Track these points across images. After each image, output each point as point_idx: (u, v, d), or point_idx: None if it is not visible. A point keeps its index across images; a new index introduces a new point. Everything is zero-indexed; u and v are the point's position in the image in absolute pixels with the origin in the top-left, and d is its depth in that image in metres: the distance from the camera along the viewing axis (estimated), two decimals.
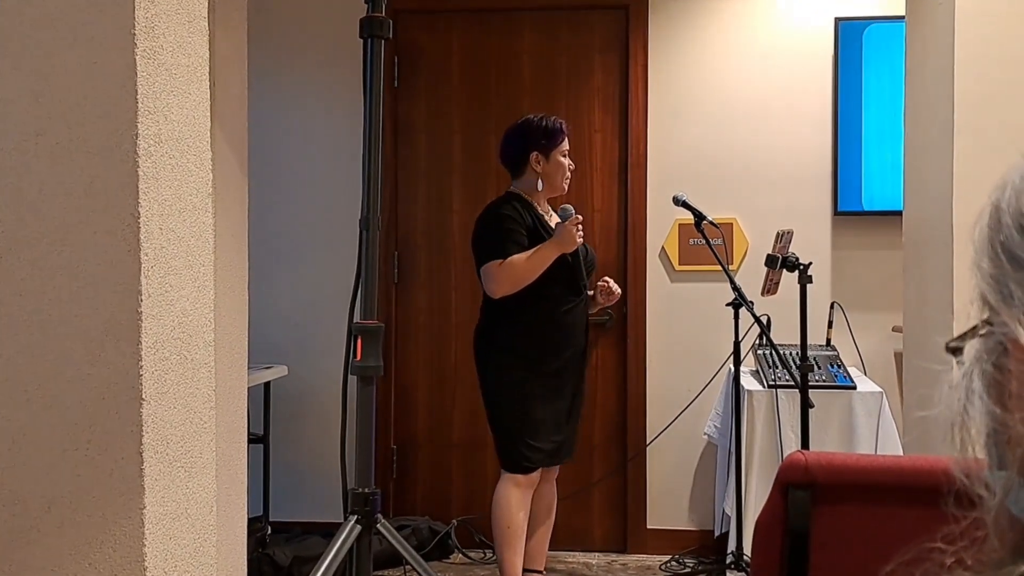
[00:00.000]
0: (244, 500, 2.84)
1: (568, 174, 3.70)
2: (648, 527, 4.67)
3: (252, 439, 4.13)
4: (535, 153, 3.65)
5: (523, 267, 3.50)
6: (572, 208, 3.58)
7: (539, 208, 3.69)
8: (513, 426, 3.56)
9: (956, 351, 0.71)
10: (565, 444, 3.68)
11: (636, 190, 4.67)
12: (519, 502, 3.60)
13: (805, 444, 3.43)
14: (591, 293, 3.77)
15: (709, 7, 4.67)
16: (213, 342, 1.97)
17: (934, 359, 2.53)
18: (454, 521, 4.66)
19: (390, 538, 2.27)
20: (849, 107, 4.55)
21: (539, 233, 3.56)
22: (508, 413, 3.57)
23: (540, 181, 3.66)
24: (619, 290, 3.78)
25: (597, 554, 4.68)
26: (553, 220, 3.71)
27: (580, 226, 3.53)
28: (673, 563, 4.46)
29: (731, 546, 4.01)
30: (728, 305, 3.83)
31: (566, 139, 3.69)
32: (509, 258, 3.49)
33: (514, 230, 3.52)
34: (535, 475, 3.64)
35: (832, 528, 1.61)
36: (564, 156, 3.68)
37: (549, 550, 3.90)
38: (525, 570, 3.72)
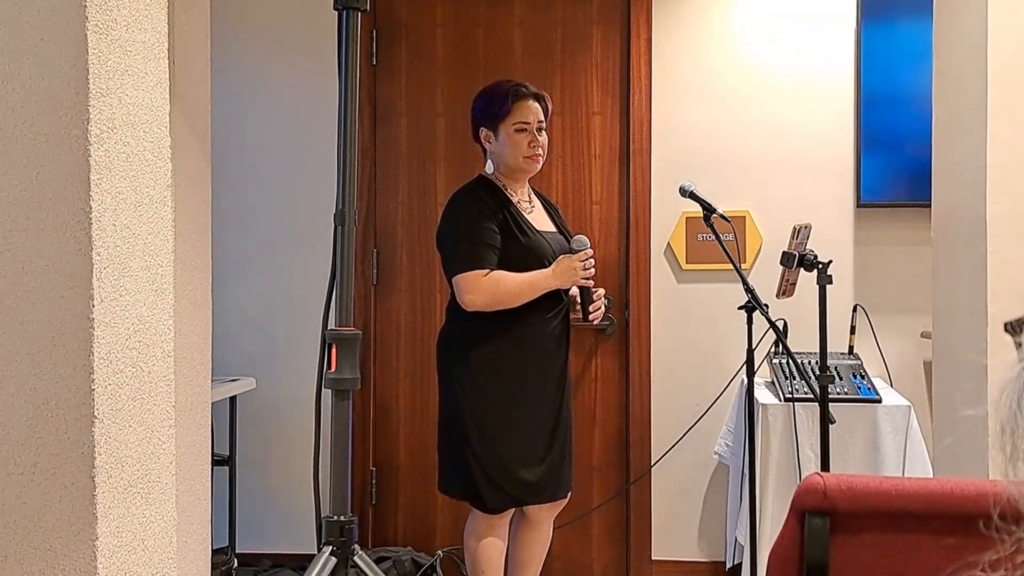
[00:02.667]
0: (207, 529, 2.83)
1: (530, 152, 3.46)
2: (653, 558, 4.66)
3: (216, 461, 4.13)
4: (483, 129, 3.49)
5: (512, 291, 3.37)
6: (585, 242, 3.44)
7: (512, 194, 3.52)
8: (480, 457, 3.40)
9: (1017, 330, 0.70)
10: (551, 479, 3.50)
11: (639, 179, 4.67)
12: (492, 541, 3.48)
13: (825, 464, 3.43)
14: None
15: None
16: (173, 352, 1.96)
17: (964, 371, 2.53)
18: (439, 552, 4.64)
19: (368, 571, 2.27)
20: (880, 85, 4.55)
21: (510, 228, 3.42)
22: (474, 441, 3.41)
23: (489, 162, 3.51)
24: (603, 303, 3.60)
25: None
26: (536, 212, 3.60)
27: (590, 263, 3.42)
28: None
29: None
30: (740, 308, 3.83)
31: (521, 107, 3.45)
32: (498, 274, 3.36)
33: (489, 230, 3.38)
34: (509, 512, 3.51)
35: (853, 560, 1.61)
36: (520, 130, 3.44)
37: None
38: None
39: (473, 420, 3.41)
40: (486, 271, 3.35)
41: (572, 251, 3.44)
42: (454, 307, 3.52)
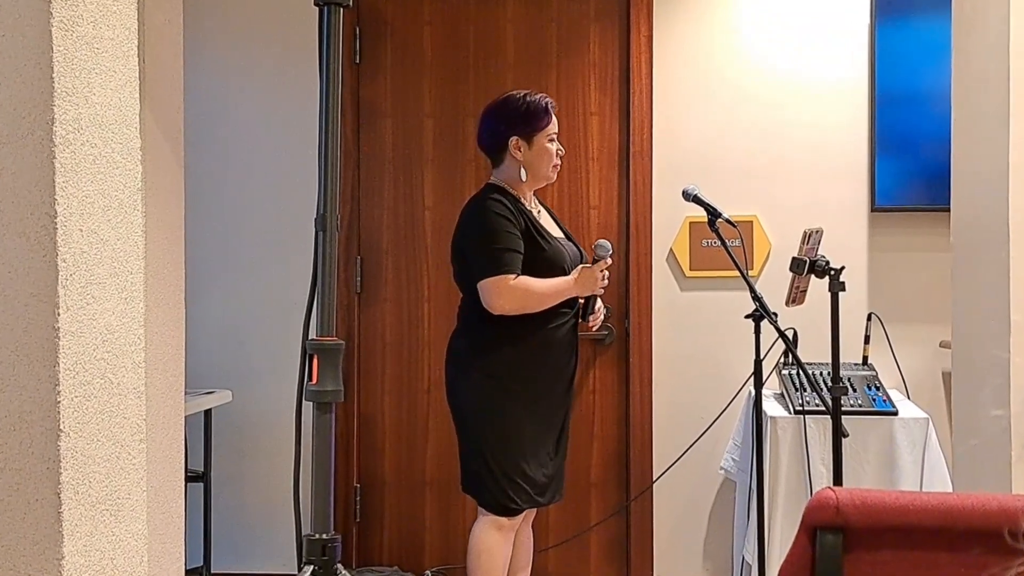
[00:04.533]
0: (181, 548, 2.83)
1: (557, 161, 3.73)
2: None
3: (190, 477, 4.13)
4: (515, 138, 3.67)
5: (538, 297, 3.57)
6: (609, 247, 3.64)
7: (526, 203, 3.71)
8: (497, 458, 3.56)
9: None
10: (554, 482, 3.70)
11: (639, 183, 4.69)
12: (501, 549, 3.61)
13: (838, 479, 3.44)
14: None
15: None
16: (144, 363, 1.97)
17: (985, 378, 2.54)
18: (427, 572, 4.66)
19: None
20: (895, 83, 4.56)
21: (532, 236, 3.59)
22: (491, 443, 3.57)
23: (522, 170, 3.68)
24: (602, 312, 3.89)
25: None
26: (544, 218, 3.75)
27: (607, 272, 3.63)
28: None
29: None
30: (747, 317, 3.84)
31: (553, 120, 3.70)
32: (525, 279, 3.53)
33: (514, 236, 3.55)
34: (519, 516, 3.65)
35: None
36: (551, 141, 3.70)
37: None
38: None
39: (490, 423, 3.58)
40: (513, 276, 3.52)
41: (595, 256, 3.63)
42: (468, 312, 3.68)
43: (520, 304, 3.53)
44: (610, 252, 3.64)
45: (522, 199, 3.69)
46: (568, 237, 3.84)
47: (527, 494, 3.59)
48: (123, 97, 1.93)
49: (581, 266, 3.64)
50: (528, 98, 3.70)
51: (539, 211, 3.78)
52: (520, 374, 3.59)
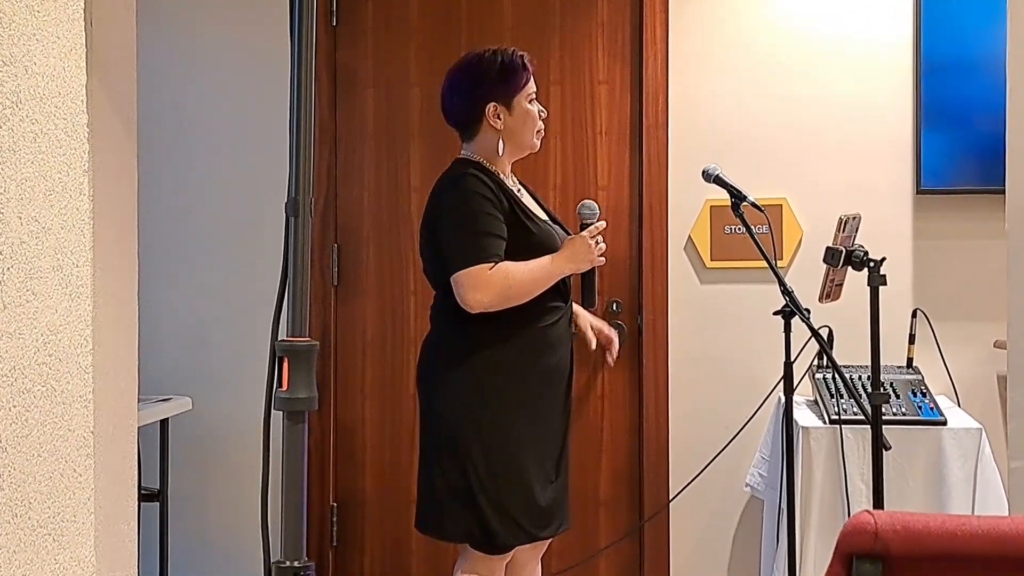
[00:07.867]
0: None
1: (540, 126, 3.62)
2: None
3: (145, 496, 4.14)
4: (493, 104, 3.55)
5: (523, 283, 3.43)
6: (596, 208, 3.60)
7: (506, 180, 3.60)
8: (483, 485, 3.42)
9: None
10: (558, 508, 3.57)
11: (654, 161, 4.69)
12: None
13: (879, 498, 3.45)
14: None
15: None
16: (91, 368, 1.97)
17: None
18: None
19: None
20: (944, 48, 4.56)
21: (517, 218, 3.48)
22: (477, 466, 3.42)
23: (501, 142, 3.56)
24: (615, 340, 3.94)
25: None
26: (526, 198, 3.66)
27: (601, 238, 3.55)
28: None
29: None
30: (776, 314, 3.85)
31: (532, 78, 3.60)
32: (504, 265, 3.40)
33: (495, 218, 3.43)
34: (510, 552, 3.54)
35: None
36: (531, 101, 3.60)
37: None
38: None
39: (478, 441, 3.44)
40: (491, 264, 3.39)
41: (581, 221, 3.57)
42: (445, 311, 3.54)
43: (502, 296, 3.39)
44: (597, 214, 3.59)
45: (502, 175, 3.58)
46: (554, 220, 3.73)
47: (520, 526, 3.45)
48: (68, 67, 1.93)
49: (571, 236, 3.55)
50: (501, 55, 3.58)
51: (519, 190, 3.66)
52: (513, 379, 3.47)
